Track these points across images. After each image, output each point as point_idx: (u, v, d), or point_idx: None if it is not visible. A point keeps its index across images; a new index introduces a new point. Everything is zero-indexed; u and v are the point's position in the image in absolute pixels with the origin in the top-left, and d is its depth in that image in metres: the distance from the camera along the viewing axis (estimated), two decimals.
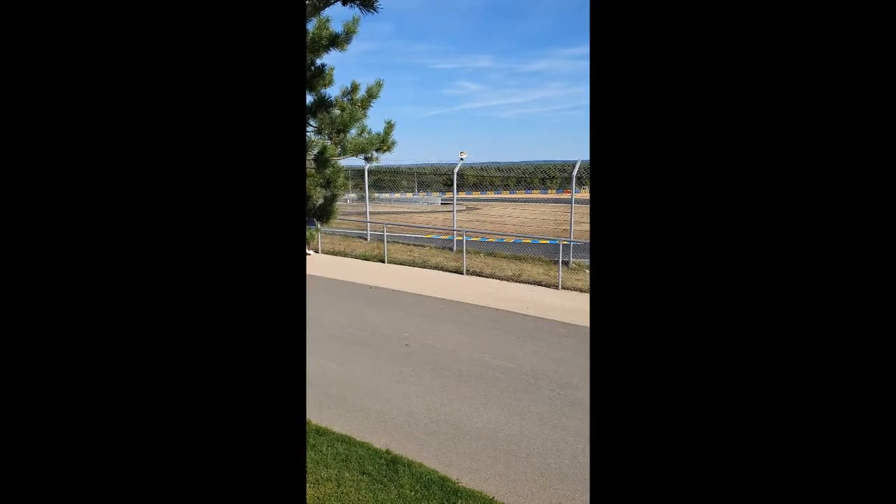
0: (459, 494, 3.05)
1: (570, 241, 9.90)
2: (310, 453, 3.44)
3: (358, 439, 3.65)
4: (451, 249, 11.26)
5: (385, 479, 3.17)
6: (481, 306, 7.20)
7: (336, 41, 3.07)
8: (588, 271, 9.20)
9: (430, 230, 13.82)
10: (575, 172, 10.26)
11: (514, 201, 24.06)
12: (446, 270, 9.57)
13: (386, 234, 11.05)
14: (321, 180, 3.33)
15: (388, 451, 3.49)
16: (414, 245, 12.09)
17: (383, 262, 10.30)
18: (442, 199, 22.37)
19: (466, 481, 3.22)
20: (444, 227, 14.03)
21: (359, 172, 14.23)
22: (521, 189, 25.76)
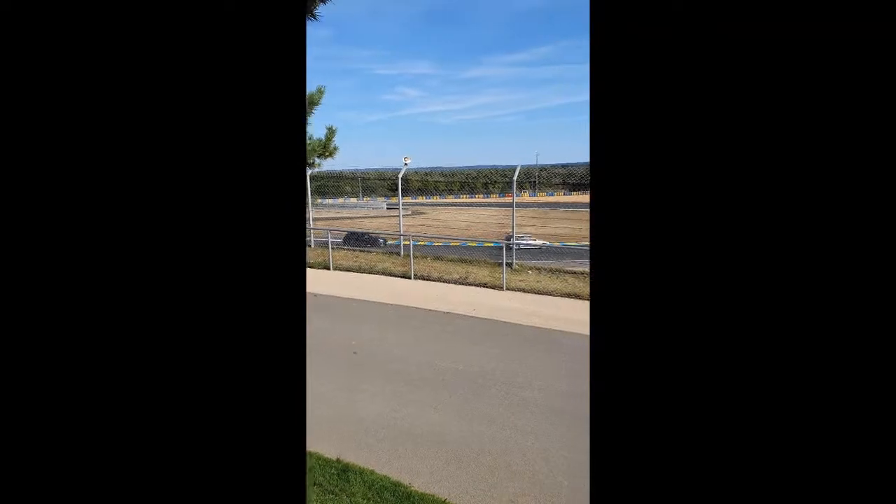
0: (412, 499, 3.08)
1: (514, 244, 10.16)
2: None
3: (308, 449, 3.59)
4: (399, 254, 11.24)
5: (336, 489, 3.14)
6: (430, 310, 7.25)
7: None
8: (531, 272, 9.48)
9: (380, 234, 13.70)
10: (515, 177, 10.54)
11: (458, 205, 24.31)
12: (393, 275, 9.54)
13: (330, 239, 10.88)
14: None
15: (339, 460, 3.46)
16: (360, 251, 11.97)
17: (328, 268, 10.13)
18: (387, 204, 22.25)
19: (419, 485, 3.25)
20: (392, 232, 13.96)
21: None
22: (465, 193, 26.06)
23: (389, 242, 14.31)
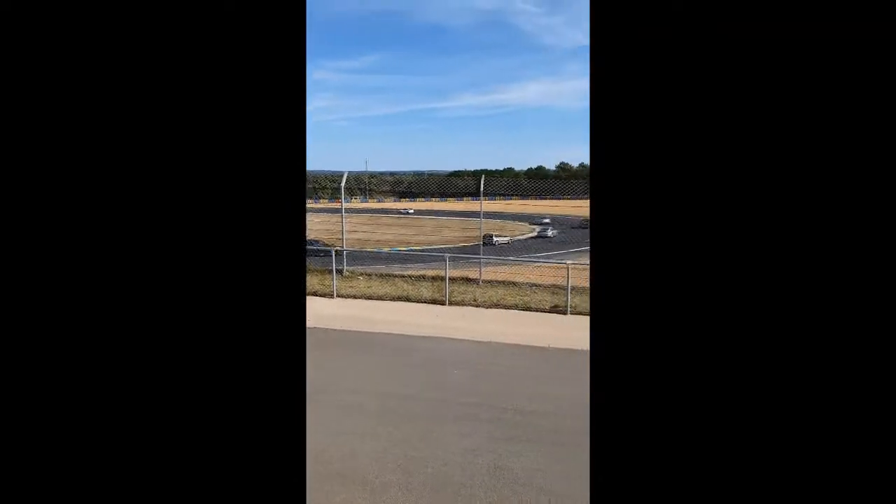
0: None
1: (343, 249, 10.05)
2: None
3: None
4: None
5: None
6: None
7: None
8: (362, 278, 9.48)
9: None
10: (343, 184, 10.45)
11: None
12: None
13: None
14: None
15: None
16: None
17: None
18: None
19: None
20: None
21: None
22: None
23: None
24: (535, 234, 25.89)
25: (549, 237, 25.76)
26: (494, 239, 25.17)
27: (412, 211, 42.49)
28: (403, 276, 9.71)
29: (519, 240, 27.17)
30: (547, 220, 32.84)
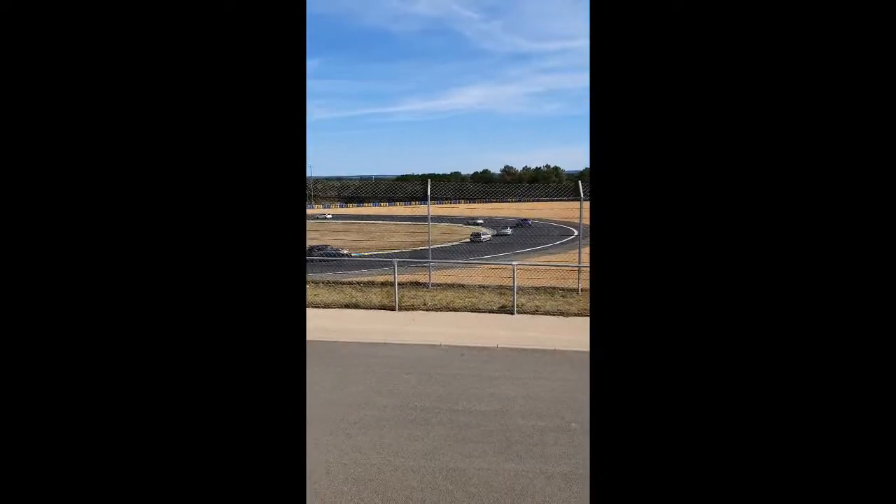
0: None
1: None
2: None
3: None
4: None
5: None
6: None
7: None
8: (308, 287, 9.26)
9: None
10: None
11: None
12: None
13: None
14: None
15: None
16: None
17: None
18: None
19: None
20: None
21: None
22: None
23: None
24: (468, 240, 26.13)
25: (482, 241, 25.95)
26: (482, 237, 26.27)
27: (330, 216, 41.66)
28: (352, 283, 9.57)
29: (500, 235, 27.51)
30: (480, 221, 33.46)
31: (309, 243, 20.43)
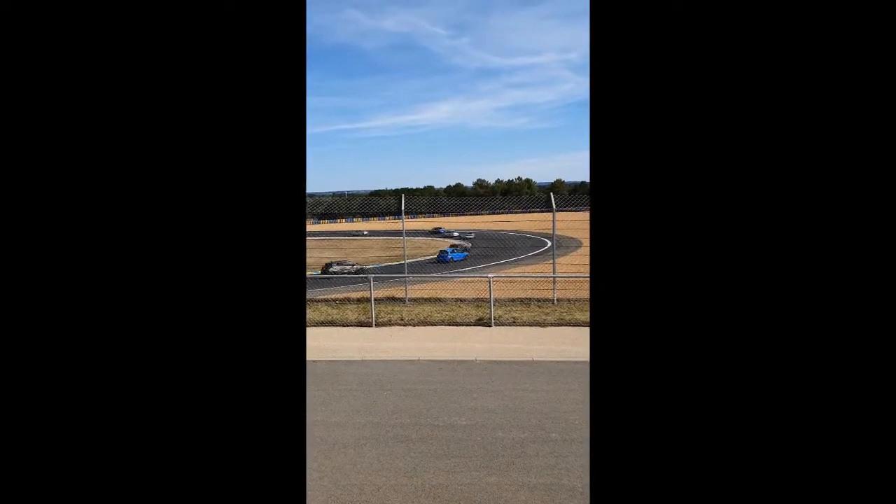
0: None
1: None
2: None
3: None
4: None
5: None
6: None
7: None
8: None
9: None
10: None
11: None
12: None
13: None
14: None
15: None
16: None
17: None
18: None
19: None
20: None
21: None
22: None
23: None
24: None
25: (449, 261, 25.15)
26: (449, 256, 25.49)
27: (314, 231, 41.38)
28: (328, 301, 9.45)
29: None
30: (456, 233, 33.47)
31: None
